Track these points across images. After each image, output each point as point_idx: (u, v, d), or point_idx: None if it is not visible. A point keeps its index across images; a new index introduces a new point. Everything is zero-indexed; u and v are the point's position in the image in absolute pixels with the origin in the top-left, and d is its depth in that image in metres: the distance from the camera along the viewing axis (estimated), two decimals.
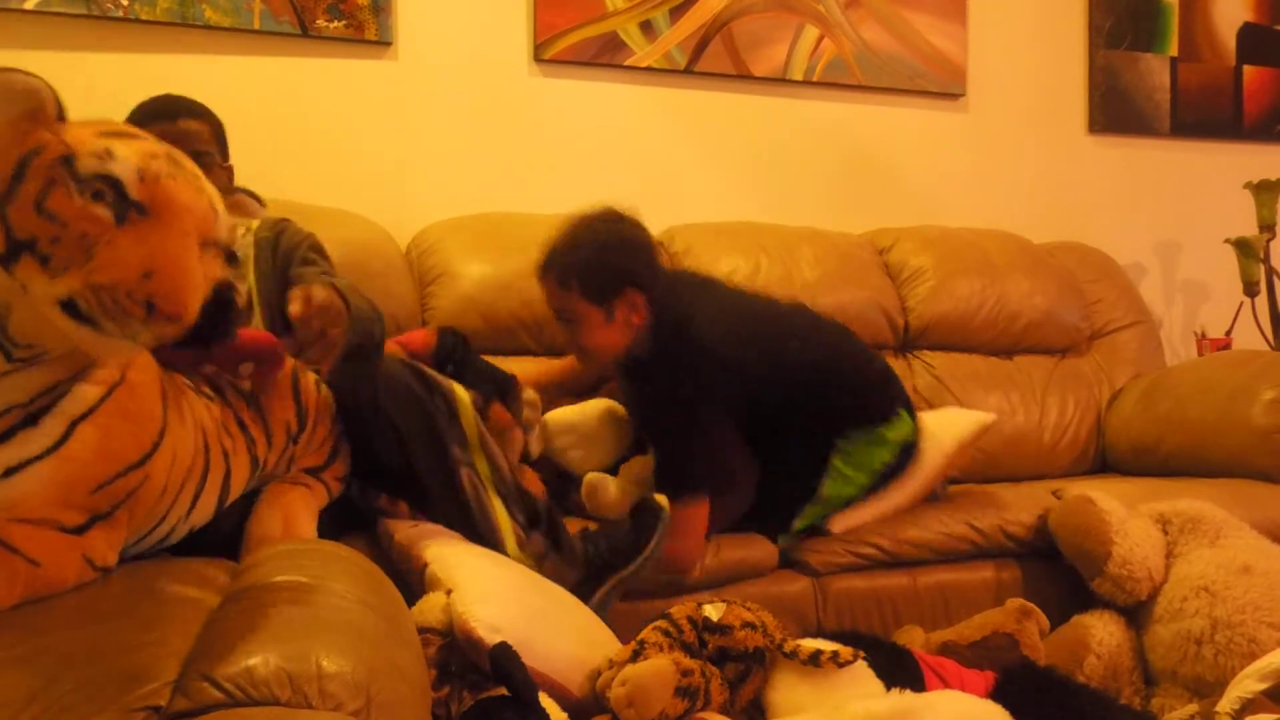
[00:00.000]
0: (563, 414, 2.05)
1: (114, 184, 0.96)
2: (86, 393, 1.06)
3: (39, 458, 1.03)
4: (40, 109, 0.97)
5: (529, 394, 1.95)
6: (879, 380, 2.04)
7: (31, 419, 1.03)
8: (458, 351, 1.95)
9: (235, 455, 1.36)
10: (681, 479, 1.82)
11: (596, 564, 1.65)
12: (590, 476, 1.95)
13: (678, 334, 1.86)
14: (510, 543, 1.59)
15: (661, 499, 1.73)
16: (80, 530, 1.07)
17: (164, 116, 1.77)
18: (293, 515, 1.43)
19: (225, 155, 1.87)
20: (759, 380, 1.89)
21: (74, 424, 1.05)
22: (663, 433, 1.88)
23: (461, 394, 1.64)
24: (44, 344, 1.01)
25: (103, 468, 1.08)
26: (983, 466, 2.51)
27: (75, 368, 1.05)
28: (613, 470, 2.00)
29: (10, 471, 1.02)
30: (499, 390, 1.92)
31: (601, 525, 1.76)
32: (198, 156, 1.74)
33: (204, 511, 1.31)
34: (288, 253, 1.80)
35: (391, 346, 1.92)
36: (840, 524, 1.96)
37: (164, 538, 1.27)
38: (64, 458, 1.04)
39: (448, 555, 1.47)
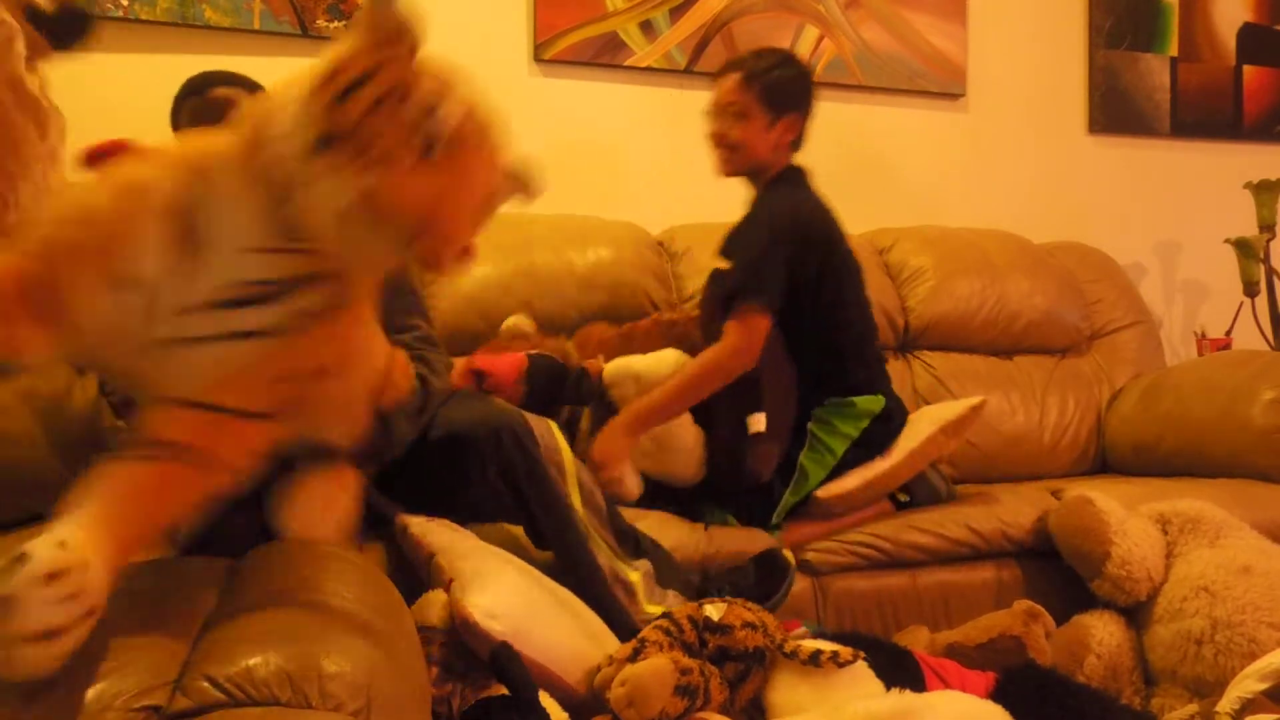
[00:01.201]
0: (629, 362, 2.03)
1: (436, 122, 0.97)
2: (322, 293, 1.06)
3: (262, 334, 1.03)
4: (402, 36, 0.98)
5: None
6: (874, 356, 2.17)
7: (268, 298, 1.03)
8: (541, 375, 2.00)
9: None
10: (750, 284, 1.94)
11: None
12: (612, 367, 1.98)
13: (797, 197, 2.08)
14: (635, 582, 1.61)
15: (789, 554, 1.77)
16: (260, 417, 1.07)
17: (194, 91, 1.79)
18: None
19: None
20: (806, 286, 2.00)
21: (303, 317, 1.05)
22: (745, 241, 2.01)
23: (554, 427, 1.65)
24: (310, 238, 1.01)
25: (306, 363, 1.09)
26: (983, 466, 2.52)
27: (326, 269, 1.05)
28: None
29: (238, 336, 1.02)
30: (579, 397, 1.99)
31: (729, 571, 1.76)
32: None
33: (345, 434, 1.32)
34: None
35: (467, 364, 1.93)
36: (827, 491, 1.98)
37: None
38: (284, 343, 1.04)
39: (454, 547, 1.47)
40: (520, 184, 1.20)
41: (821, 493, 1.99)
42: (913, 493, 2.09)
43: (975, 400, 2.11)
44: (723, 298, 1.98)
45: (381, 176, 0.94)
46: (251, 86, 1.84)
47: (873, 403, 2.05)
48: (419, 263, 0.98)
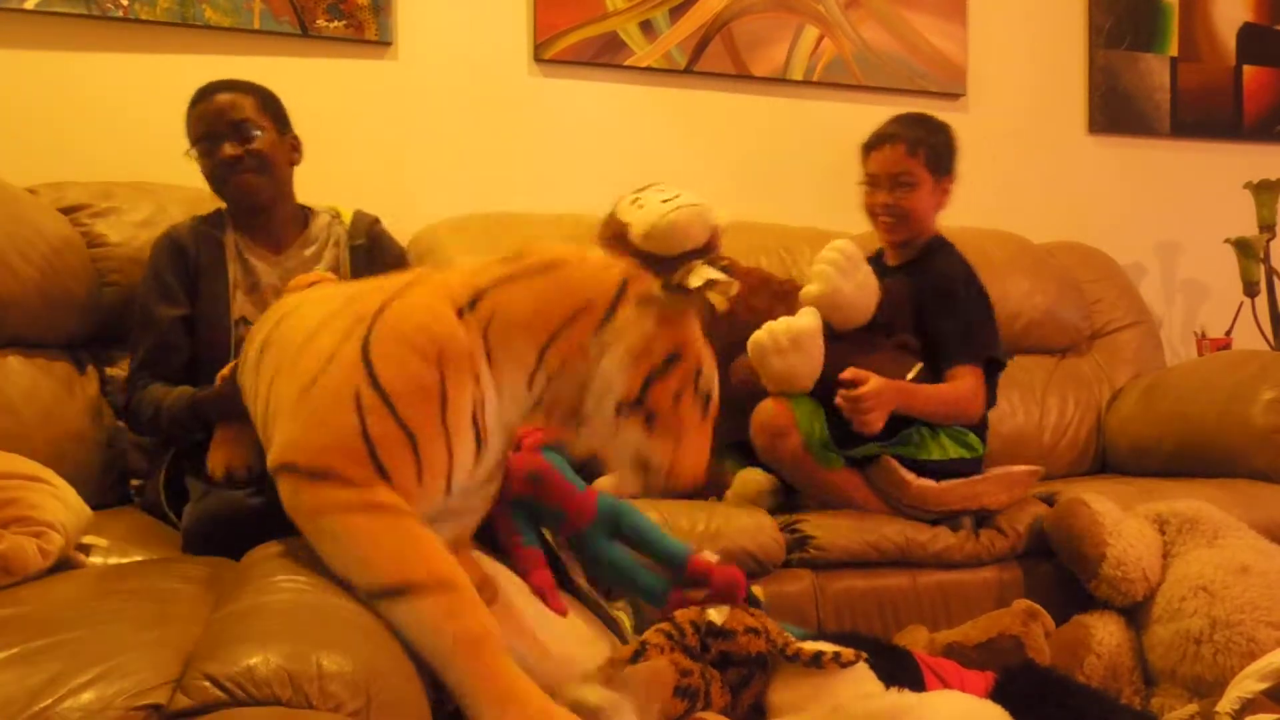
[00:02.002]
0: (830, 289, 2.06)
1: (708, 398, 1.22)
2: None
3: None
4: (703, 318, 1.21)
5: None
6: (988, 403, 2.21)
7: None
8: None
9: None
10: (974, 345, 2.11)
11: None
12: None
13: (951, 253, 2.23)
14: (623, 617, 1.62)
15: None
16: None
17: (201, 99, 1.82)
18: None
19: (284, 126, 1.90)
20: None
21: None
22: (959, 305, 2.13)
23: None
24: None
25: None
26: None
27: None
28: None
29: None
30: None
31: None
32: (237, 126, 1.80)
33: None
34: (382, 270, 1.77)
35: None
36: (894, 463, 2.01)
37: None
38: None
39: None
40: None
41: (893, 461, 2.01)
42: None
43: (1035, 467, 2.16)
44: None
45: (672, 443, 1.17)
46: (258, 92, 1.85)
47: (979, 444, 2.13)
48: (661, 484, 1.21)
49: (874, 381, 1.96)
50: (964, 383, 2.09)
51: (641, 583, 1.61)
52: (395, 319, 1.12)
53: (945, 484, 2.03)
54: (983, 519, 2.08)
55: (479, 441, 1.12)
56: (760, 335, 2.00)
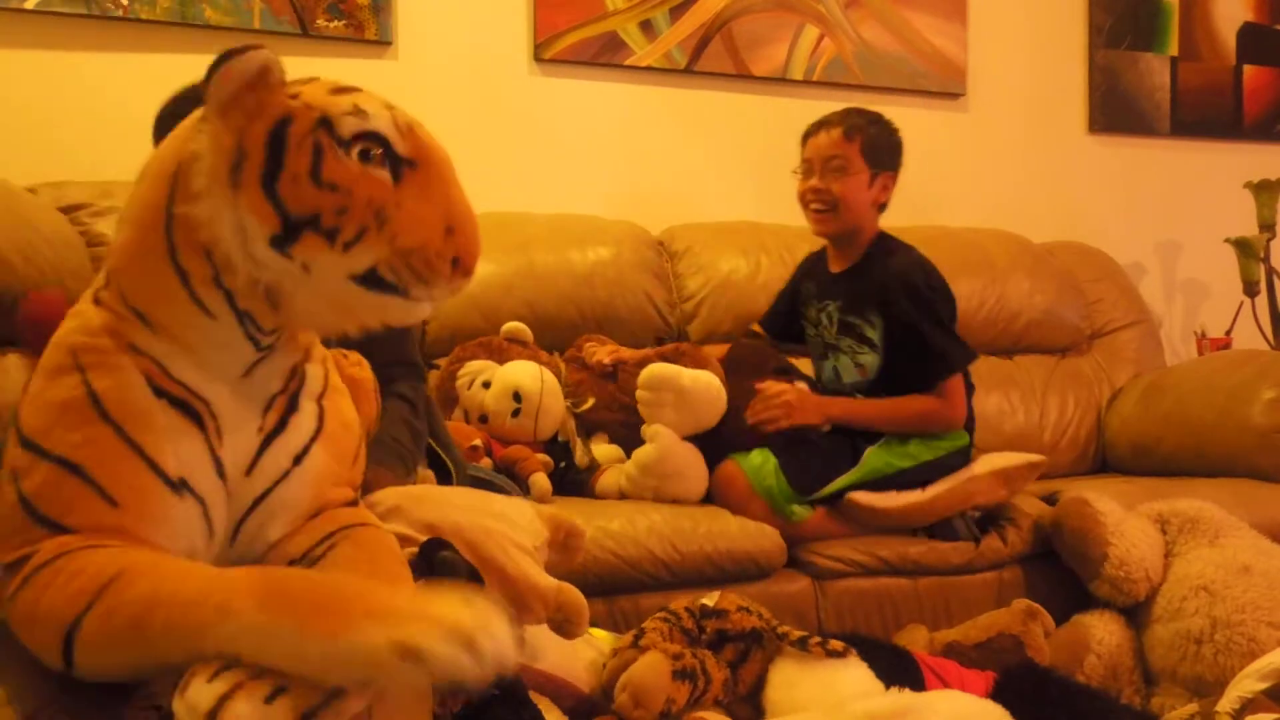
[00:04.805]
0: (678, 373, 1.96)
1: (381, 141, 0.90)
2: (315, 371, 1.04)
3: (314, 439, 1.00)
4: (266, 74, 0.88)
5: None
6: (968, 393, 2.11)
7: (292, 404, 1.00)
8: None
9: None
10: (951, 355, 2.01)
11: None
12: (658, 370, 1.96)
13: (903, 249, 2.11)
14: None
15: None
16: (354, 504, 1.07)
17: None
18: None
19: None
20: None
21: (319, 402, 1.03)
22: (925, 320, 2.00)
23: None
24: (281, 328, 0.97)
25: (349, 439, 1.08)
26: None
27: (300, 349, 1.02)
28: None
29: (299, 458, 0.99)
30: None
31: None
32: None
33: None
34: None
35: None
36: (863, 497, 1.96)
37: None
38: (327, 435, 1.02)
39: None
40: None
41: (858, 496, 1.95)
42: (933, 533, 2.02)
43: (1035, 457, 2.08)
44: (919, 359, 2.01)
45: (381, 229, 0.91)
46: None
47: (959, 440, 2.05)
48: None
49: (789, 391, 1.96)
50: (937, 403, 1.99)
51: None
52: (43, 360, 0.95)
53: (930, 492, 1.97)
54: (987, 521, 2.06)
55: (183, 402, 0.91)
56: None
